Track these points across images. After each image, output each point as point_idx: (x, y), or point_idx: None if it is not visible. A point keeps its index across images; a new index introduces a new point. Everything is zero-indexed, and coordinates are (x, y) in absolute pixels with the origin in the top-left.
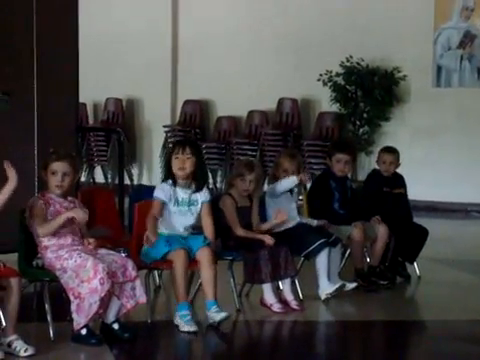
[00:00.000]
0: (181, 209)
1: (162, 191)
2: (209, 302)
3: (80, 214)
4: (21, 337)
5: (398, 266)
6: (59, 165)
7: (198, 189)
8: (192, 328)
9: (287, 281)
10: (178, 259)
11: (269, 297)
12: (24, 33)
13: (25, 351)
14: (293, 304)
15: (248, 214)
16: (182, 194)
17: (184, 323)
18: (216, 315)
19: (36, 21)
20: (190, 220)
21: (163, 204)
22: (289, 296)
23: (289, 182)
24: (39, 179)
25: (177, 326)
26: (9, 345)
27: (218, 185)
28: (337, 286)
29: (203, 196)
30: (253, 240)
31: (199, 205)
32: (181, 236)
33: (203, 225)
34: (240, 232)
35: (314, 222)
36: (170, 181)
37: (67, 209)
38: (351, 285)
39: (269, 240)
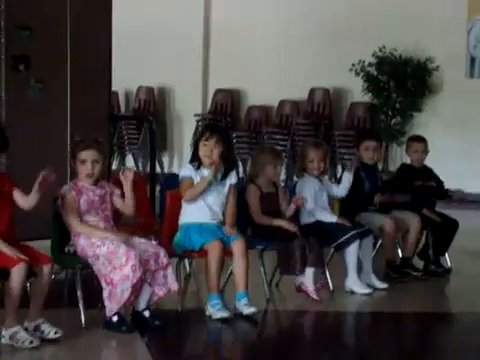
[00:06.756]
0: (209, 188)
1: (188, 170)
2: (239, 293)
3: (122, 238)
4: (47, 321)
5: (437, 259)
6: (88, 154)
7: (224, 177)
8: (225, 314)
9: (310, 271)
10: (213, 250)
11: (309, 283)
12: (58, 22)
13: (55, 333)
14: (311, 293)
15: (275, 200)
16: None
17: (216, 311)
18: (245, 308)
19: (70, 9)
20: (217, 200)
21: (192, 183)
22: (310, 286)
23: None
24: (71, 166)
25: (209, 316)
26: (36, 329)
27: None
28: (365, 292)
29: (232, 180)
30: (285, 230)
31: (227, 186)
32: (215, 225)
33: (227, 206)
34: (261, 220)
35: (334, 218)
36: (196, 164)
37: (100, 196)
38: (382, 285)
39: (291, 227)
